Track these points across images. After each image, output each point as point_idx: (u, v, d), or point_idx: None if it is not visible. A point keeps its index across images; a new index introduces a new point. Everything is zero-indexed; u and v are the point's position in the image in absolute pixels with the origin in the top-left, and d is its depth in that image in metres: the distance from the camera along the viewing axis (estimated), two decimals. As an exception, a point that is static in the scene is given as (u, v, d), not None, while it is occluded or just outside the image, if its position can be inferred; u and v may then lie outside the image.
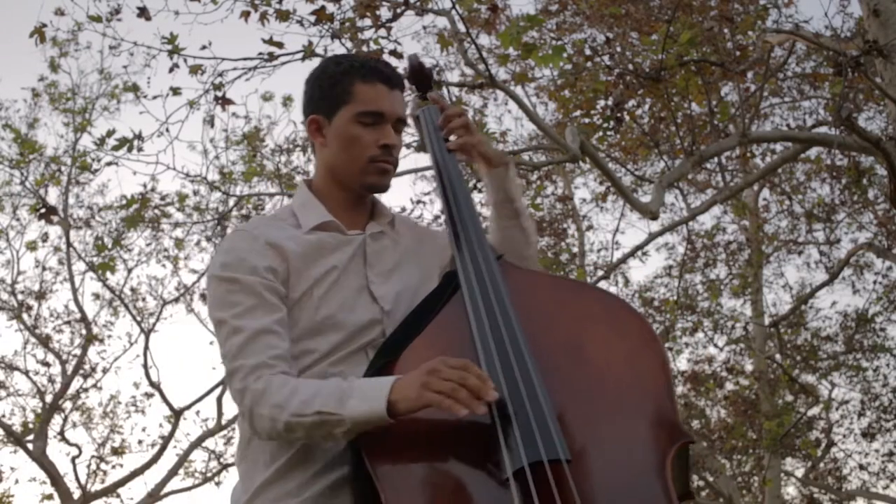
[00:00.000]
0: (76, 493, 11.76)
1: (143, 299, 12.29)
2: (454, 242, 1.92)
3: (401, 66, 6.01)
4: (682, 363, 14.39)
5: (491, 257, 1.88)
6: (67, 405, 12.39)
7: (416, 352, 1.74)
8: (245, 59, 6.15)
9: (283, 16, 6.04)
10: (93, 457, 12.46)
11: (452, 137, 2.10)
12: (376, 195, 2.02)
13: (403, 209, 9.19)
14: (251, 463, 1.82)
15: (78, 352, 12.22)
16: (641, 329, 1.78)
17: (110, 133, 6.71)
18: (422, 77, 2.28)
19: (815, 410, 11.84)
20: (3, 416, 12.00)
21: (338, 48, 5.90)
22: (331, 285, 1.85)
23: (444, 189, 2.03)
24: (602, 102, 7.10)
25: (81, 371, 12.28)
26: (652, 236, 8.11)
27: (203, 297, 12.18)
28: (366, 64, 1.94)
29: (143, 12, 6.23)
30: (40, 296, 12.11)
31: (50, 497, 11.81)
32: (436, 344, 1.76)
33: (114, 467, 12.53)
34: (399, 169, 2.07)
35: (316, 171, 2.02)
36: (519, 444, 1.52)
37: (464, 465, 1.61)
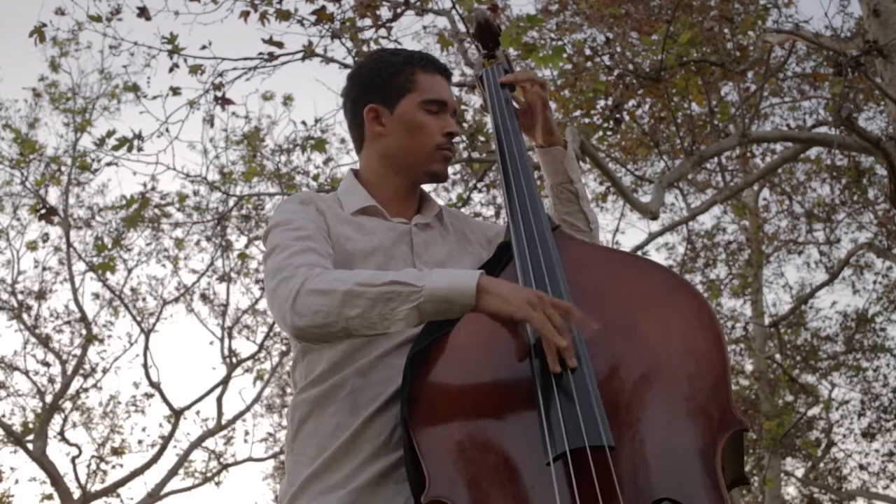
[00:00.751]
0: (76, 493, 11.76)
1: (143, 299, 12.32)
2: (508, 209, 1.89)
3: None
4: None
5: (546, 227, 1.83)
6: (67, 405, 12.39)
7: (468, 325, 1.69)
8: (245, 59, 6.16)
9: (284, 16, 6.04)
10: (93, 457, 12.47)
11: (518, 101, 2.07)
12: (429, 185, 2.03)
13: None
14: (298, 456, 1.80)
15: (78, 352, 12.23)
16: (700, 310, 1.69)
17: (110, 133, 6.72)
18: (489, 35, 2.23)
19: (815, 410, 11.84)
20: (3, 416, 12.01)
21: (338, 48, 5.92)
22: (378, 267, 1.82)
23: (503, 153, 2.00)
24: (602, 102, 7.09)
25: (81, 371, 12.28)
26: (652, 236, 8.11)
27: (203, 296, 12.21)
28: (423, 55, 1.97)
29: (143, 12, 6.23)
30: (40, 296, 12.11)
31: (50, 497, 11.81)
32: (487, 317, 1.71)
33: (114, 467, 12.55)
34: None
35: (365, 161, 2.00)
36: (562, 427, 1.49)
37: (507, 446, 1.56)
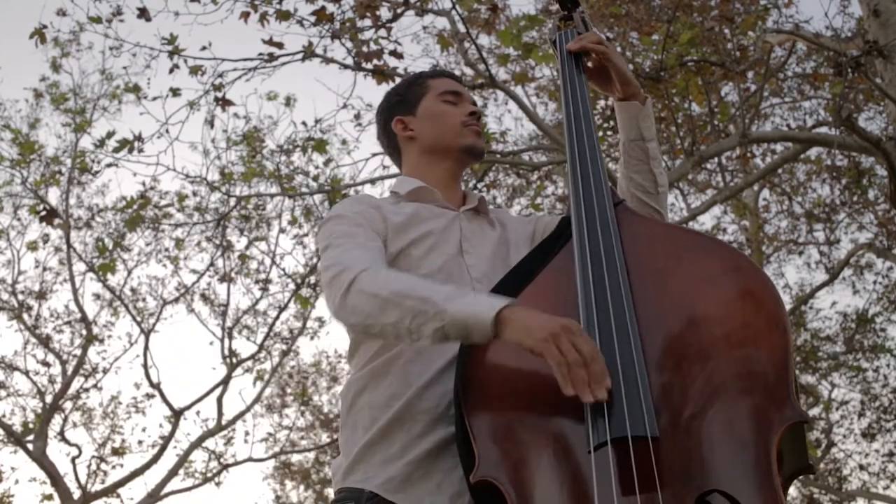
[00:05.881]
0: (76, 494, 11.76)
1: (144, 299, 12.31)
2: (571, 182, 1.88)
3: (400, 66, 6.00)
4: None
5: (608, 203, 1.79)
6: (67, 405, 12.39)
7: (526, 301, 1.67)
8: (245, 59, 6.16)
9: (283, 16, 6.04)
10: (93, 457, 12.47)
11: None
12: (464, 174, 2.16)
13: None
14: (351, 429, 1.83)
15: (78, 352, 12.22)
16: (767, 293, 1.60)
17: (110, 134, 6.73)
18: None
19: (815, 411, 11.83)
20: (3, 416, 12.00)
21: (338, 48, 5.91)
22: (429, 249, 1.92)
23: (570, 120, 2.00)
24: (602, 102, 7.09)
25: (82, 371, 12.28)
26: (652, 236, 8.08)
27: (203, 297, 12.20)
28: (431, 70, 2.28)
29: (143, 13, 6.23)
30: (41, 296, 12.11)
31: (50, 497, 11.81)
32: (543, 296, 1.69)
33: (114, 467, 12.55)
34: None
35: (406, 168, 2.14)
36: (605, 415, 1.46)
37: (555, 432, 1.54)
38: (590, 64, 2.12)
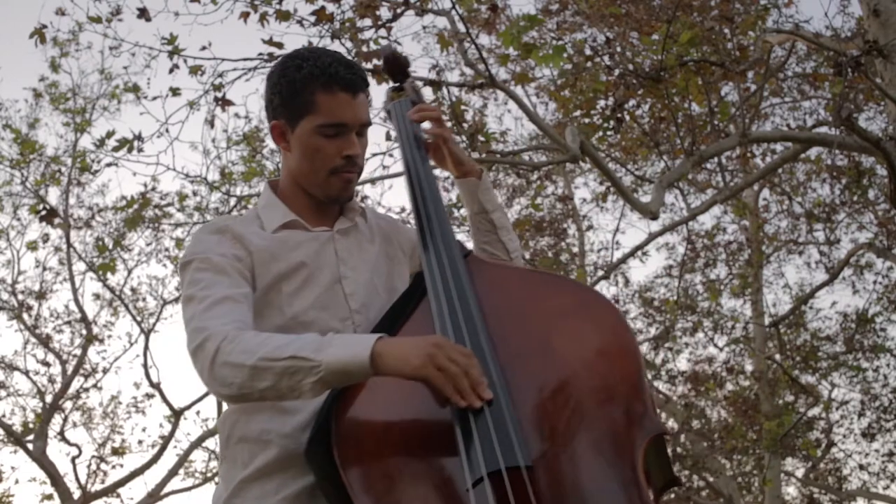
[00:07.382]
0: (76, 493, 11.76)
1: (144, 299, 12.31)
2: (421, 242, 1.91)
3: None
4: (682, 363, 14.37)
5: (457, 256, 1.85)
6: (67, 405, 12.40)
7: None
8: (245, 59, 6.16)
9: (283, 16, 6.04)
10: (93, 457, 12.48)
11: (426, 125, 2.11)
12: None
13: (403, 210, 9.19)
14: (230, 462, 1.82)
15: (78, 352, 12.23)
16: (614, 322, 1.73)
17: (110, 134, 6.73)
18: (396, 68, 2.27)
19: (815, 411, 11.84)
20: (3, 416, 12.02)
21: (338, 48, 5.90)
22: (302, 282, 1.84)
23: (412, 185, 2.02)
24: (602, 102, 7.09)
25: (81, 371, 12.29)
26: (652, 236, 8.11)
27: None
28: (326, 70, 1.84)
29: (143, 13, 6.23)
30: (40, 296, 12.11)
31: (50, 497, 11.81)
32: None
33: (114, 467, 12.55)
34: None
35: (282, 173, 1.99)
36: (478, 452, 1.51)
37: (433, 475, 1.60)
38: (427, 139, 2.10)
